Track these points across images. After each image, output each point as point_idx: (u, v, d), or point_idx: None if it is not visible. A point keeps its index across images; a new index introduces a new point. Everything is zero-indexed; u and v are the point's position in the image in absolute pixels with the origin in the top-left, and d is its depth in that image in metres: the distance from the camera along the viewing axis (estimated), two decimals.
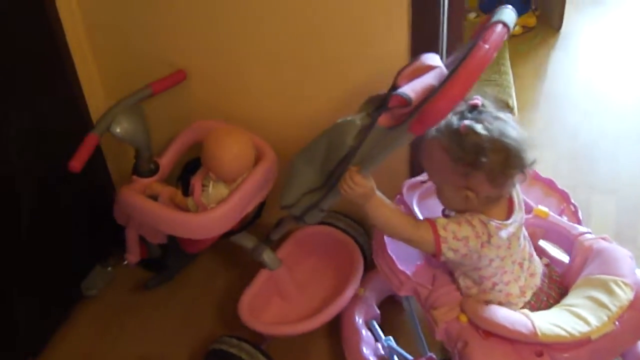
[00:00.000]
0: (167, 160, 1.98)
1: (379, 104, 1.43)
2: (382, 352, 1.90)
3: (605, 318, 1.42)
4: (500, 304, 1.51)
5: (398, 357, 1.88)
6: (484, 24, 1.38)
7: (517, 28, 3.18)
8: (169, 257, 2.16)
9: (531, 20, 3.26)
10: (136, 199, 1.86)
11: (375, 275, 1.99)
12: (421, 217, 1.60)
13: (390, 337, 1.90)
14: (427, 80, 1.36)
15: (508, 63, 2.85)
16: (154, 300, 2.17)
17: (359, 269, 1.95)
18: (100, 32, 2.05)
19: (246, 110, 2.05)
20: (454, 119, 1.38)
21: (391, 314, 2.01)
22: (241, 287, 1.93)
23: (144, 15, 1.97)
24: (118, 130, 1.80)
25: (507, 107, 2.61)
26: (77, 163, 1.72)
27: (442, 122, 1.37)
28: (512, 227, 1.46)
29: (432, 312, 1.51)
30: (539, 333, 1.39)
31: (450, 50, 1.84)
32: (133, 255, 2.08)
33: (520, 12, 3.10)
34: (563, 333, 1.39)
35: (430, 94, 1.32)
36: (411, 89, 1.33)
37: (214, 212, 1.79)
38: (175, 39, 1.98)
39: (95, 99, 2.13)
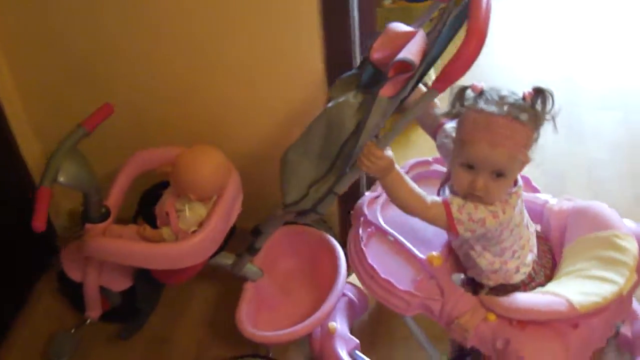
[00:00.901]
0: (114, 200, 1.82)
1: (360, 79, 1.44)
2: None
3: (627, 272, 1.43)
4: (517, 269, 1.51)
5: None
6: None
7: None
8: (137, 300, 1.98)
9: None
10: (114, 243, 1.75)
11: (340, 305, 1.90)
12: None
13: None
14: (418, 43, 1.33)
15: None
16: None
17: (339, 256, 1.90)
18: (25, 72, 1.98)
19: (174, 133, 1.99)
20: (508, 96, 1.35)
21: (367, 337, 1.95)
22: (217, 304, 1.97)
23: (68, 54, 1.91)
24: (62, 179, 1.62)
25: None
26: (39, 222, 1.55)
27: (502, 122, 1.33)
28: (521, 189, 1.46)
29: (458, 322, 1.43)
30: (577, 307, 1.37)
31: (363, 39, 1.80)
32: (94, 311, 1.94)
33: None
34: (598, 299, 1.39)
35: (427, 54, 1.31)
36: (410, 53, 1.29)
37: (204, 233, 1.70)
38: (97, 72, 1.92)
39: (27, 144, 2.04)
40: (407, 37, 1.34)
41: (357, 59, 1.81)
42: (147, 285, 1.92)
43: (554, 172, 2.45)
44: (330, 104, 1.41)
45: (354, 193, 1.89)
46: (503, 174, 1.36)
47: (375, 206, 1.69)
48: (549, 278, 1.55)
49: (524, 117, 1.33)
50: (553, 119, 1.37)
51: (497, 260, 1.49)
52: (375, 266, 1.54)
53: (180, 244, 1.69)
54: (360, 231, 1.62)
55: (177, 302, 2.09)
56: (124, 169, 1.86)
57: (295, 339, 1.81)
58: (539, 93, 1.36)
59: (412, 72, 1.30)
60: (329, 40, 1.76)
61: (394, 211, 1.64)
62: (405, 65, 1.28)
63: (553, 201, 1.67)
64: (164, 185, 1.81)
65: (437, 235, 1.62)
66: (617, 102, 2.82)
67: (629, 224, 1.55)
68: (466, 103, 1.37)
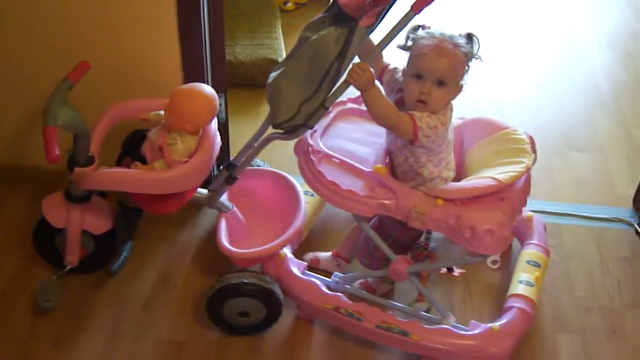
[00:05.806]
0: (94, 148, 1.93)
1: (328, 20, 1.70)
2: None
3: (528, 154, 1.86)
4: (447, 178, 1.85)
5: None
6: None
7: (289, 4, 3.59)
8: (117, 240, 2.09)
9: None
10: (125, 172, 1.90)
11: None
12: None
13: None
14: None
15: (279, 31, 3.22)
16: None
17: (298, 190, 2.13)
18: None
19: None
20: (453, 37, 1.73)
21: None
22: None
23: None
24: (60, 122, 1.75)
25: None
26: (52, 156, 1.68)
27: (446, 43, 1.71)
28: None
29: (415, 211, 1.76)
30: (503, 181, 1.76)
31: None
32: (75, 256, 2.03)
33: None
34: (515, 173, 1.79)
35: None
36: None
37: (201, 156, 1.89)
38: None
39: None
40: None
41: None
42: (125, 225, 2.07)
43: None
44: (314, 37, 1.68)
45: None
46: (444, 83, 1.71)
47: (315, 138, 1.97)
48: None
49: (461, 43, 1.73)
50: (480, 58, 1.77)
51: (436, 169, 1.83)
52: (335, 181, 1.83)
53: (180, 168, 1.87)
54: (312, 157, 1.90)
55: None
56: (103, 119, 1.99)
57: (269, 255, 2.00)
58: (470, 36, 1.76)
59: (386, 5, 1.60)
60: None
61: (330, 140, 1.97)
62: None
63: None
64: (138, 133, 2.00)
65: (369, 154, 1.94)
66: None
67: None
68: (416, 37, 1.74)
